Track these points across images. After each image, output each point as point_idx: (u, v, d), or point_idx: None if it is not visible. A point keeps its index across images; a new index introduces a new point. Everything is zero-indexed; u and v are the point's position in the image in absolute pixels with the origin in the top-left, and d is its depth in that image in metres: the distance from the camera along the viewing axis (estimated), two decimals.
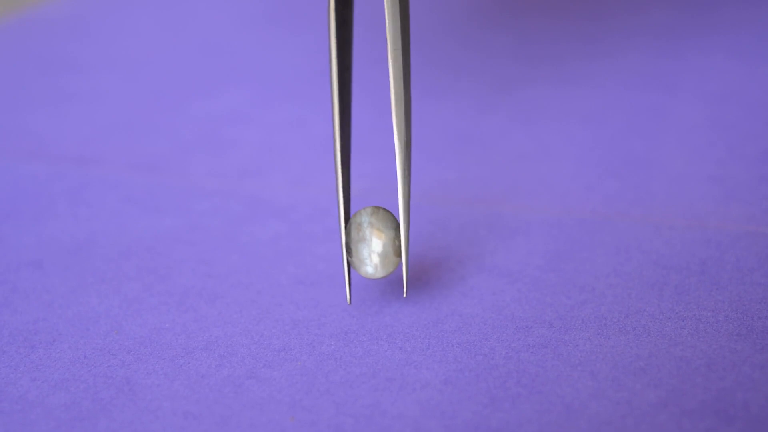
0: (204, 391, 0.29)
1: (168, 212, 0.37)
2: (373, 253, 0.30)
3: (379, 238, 0.31)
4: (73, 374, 0.30)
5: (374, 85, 0.45)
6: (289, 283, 0.33)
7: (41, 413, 0.29)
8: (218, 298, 0.33)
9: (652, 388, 0.28)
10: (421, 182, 0.38)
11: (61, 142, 0.42)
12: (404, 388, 0.29)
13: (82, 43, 0.51)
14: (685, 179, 0.37)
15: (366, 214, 0.31)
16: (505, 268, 0.33)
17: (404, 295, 0.31)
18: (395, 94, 0.30)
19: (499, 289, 0.32)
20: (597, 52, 0.47)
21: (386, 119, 0.42)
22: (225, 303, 0.33)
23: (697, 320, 0.31)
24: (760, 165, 0.38)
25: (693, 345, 0.30)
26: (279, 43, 0.50)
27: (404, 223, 0.30)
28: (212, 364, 0.30)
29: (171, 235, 0.36)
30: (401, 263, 0.31)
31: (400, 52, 0.30)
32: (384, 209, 0.31)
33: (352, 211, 0.37)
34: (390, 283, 0.33)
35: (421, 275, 0.33)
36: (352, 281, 0.33)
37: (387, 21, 0.30)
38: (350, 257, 0.31)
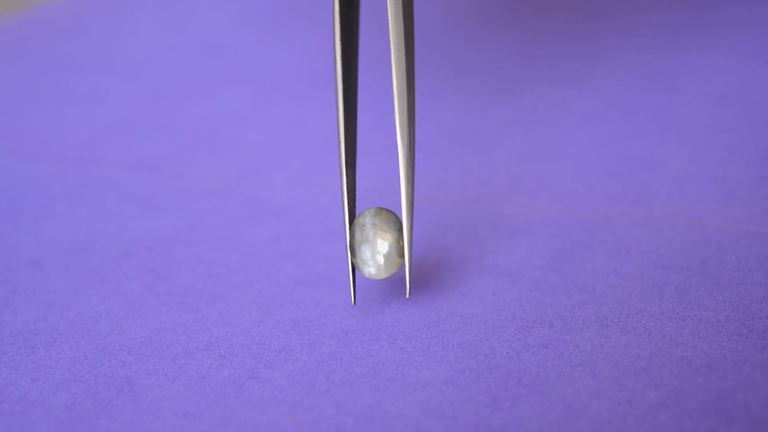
0: (205, 391, 0.29)
1: (168, 212, 0.37)
2: (376, 254, 0.31)
3: (383, 239, 0.31)
4: (74, 374, 0.30)
5: (376, 85, 0.45)
6: (290, 284, 0.33)
7: (42, 414, 0.29)
8: (219, 298, 0.33)
9: (652, 388, 0.28)
10: (421, 182, 0.38)
11: (61, 142, 0.42)
12: (405, 388, 0.29)
13: (82, 43, 0.51)
14: (685, 179, 0.37)
15: (369, 215, 0.31)
16: (505, 268, 0.33)
17: (407, 296, 0.31)
18: (398, 95, 0.30)
19: (500, 289, 0.32)
20: (597, 52, 0.47)
21: (388, 119, 0.42)
22: (225, 303, 0.33)
23: (698, 320, 0.31)
24: (761, 165, 0.38)
25: (694, 345, 0.30)
26: (279, 43, 0.50)
27: (407, 224, 0.30)
28: (213, 365, 0.30)
29: (171, 235, 0.36)
30: (404, 264, 0.31)
31: (403, 53, 0.30)
32: (387, 210, 0.31)
33: (357, 213, 0.37)
34: (391, 283, 0.33)
35: (422, 275, 0.33)
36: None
37: (390, 21, 0.30)
38: (354, 258, 0.31)
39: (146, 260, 0.35)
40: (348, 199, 0.31)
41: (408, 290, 0.31)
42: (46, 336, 0.32)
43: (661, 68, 0.45)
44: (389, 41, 0.30)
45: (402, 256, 0.31)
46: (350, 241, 0.31)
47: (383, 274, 0.31)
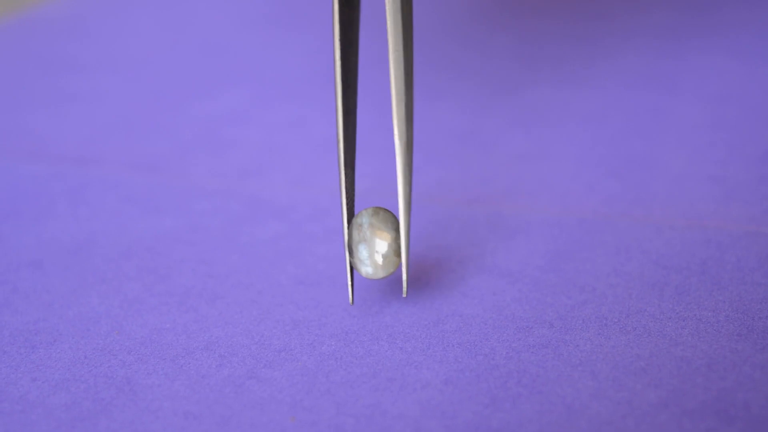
0: (205, 391, 0.29)
1: (168, 212, 0.37)
2: (373, 253, 0.31)
3: (380, 238, 0.31)
4: (74, 374, 0.30)
5: (377, 85, 0.45)
6: (290, 284, 0.33)
7: (42, 413, 0.29)
8: (219, 298, 0.33)
9: (652, 388, 0.28)
10: (421, 182, 0.38)
11: (61, 142, 0.42)
12: (405, 388, 0.29)
13: (82, 43, 0.51)
14: (685, 179, 0.37)
15: (367, 215, 0.31)
16: (505, 268, 0.33)
17: (404, 295, 0.31)
18: (396, 94, 0.30)
19: (500, 289, 0.32)
20: (597, 52, 0.47)
21: (388, 119, 0.42)
22: (225, 303, 0.33)
23: (698, 320, 0.31)
24: (760, 165, 0.38)
25: (693, 345, 0.30)
26: (279, 43, 0.50)
27: (405, 224, 0.30)
28: (213, 365, 0.30)
29: (171, 235, 0.36)
30: (401, 264, 0.31)
31: (401, 52, 0.30)
32: (385, 210, 0.31)
33: (356, 209, 0.37)
34: (390, 283, 0.33)
35: (422, 275, 0.33)
36: (354, 282, 0.33)
37: (388, 20, 0.30)
38: (351, 258, 0.31)
39: (146, 260, 0.35)
40: (347, 198, 0.31)
41: (405, 289, 0.31)
42: (46, 336, 0.32)
43: (661, 68, 0.45)
44: (387, 37, 0.30)
45: (399, 255, 0.31)
46: (348, 241, 0.31)
47: (380, 274, 0.31)
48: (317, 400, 0.29)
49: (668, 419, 0.27)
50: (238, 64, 0.48)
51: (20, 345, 0.31)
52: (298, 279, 0.33)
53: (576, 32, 0.49)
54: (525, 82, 0.45)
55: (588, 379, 0.29)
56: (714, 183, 0.37)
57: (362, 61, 0.47)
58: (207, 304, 0.33)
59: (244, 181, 0.39)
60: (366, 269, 0.31)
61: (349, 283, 0.31)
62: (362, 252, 0.31)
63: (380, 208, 0.31)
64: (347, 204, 0.31)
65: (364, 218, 0.31)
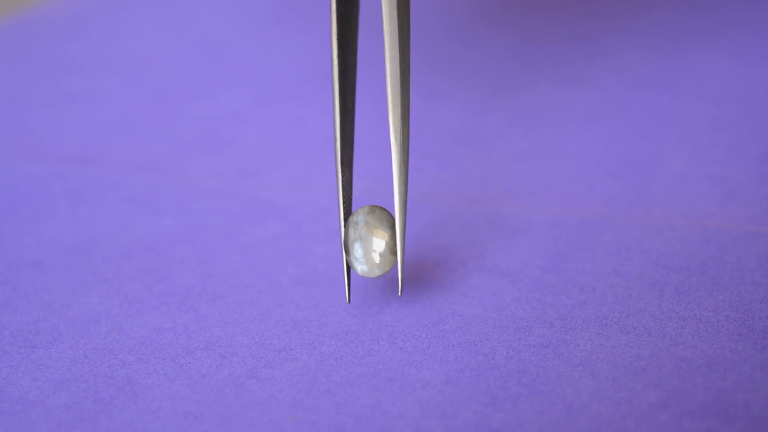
0: (205, 391, 0.29)
1: (168, 212, 0.37)
2: (369, 251, 0.30)
3: (375, 236, 0.30)
4: (74, 374, 0.30)
5: (376, 85, 0.45)
6: (290, 284, 0.33)
7: (42, 413, 0.29)
8: (219, 298, 0.33)
9: (652, 388, 0.28)
10: (421, 182, 0.38)
11: (61, 142, 0.42)
12: (405, 387, 0.29)
13: (82, 43, 0.51)
14: (685, 179, 0.37)
15: (363, 213, 0.31)
16: (505, 268, 0.33)
17: (399, 294, 0.31)
18: (392, 92, 0.30)
19: (500, 289, 0.32)
20: (597, 52, 0.47)
21: (386, 119, 0.42)
22: (225, 303, 0.33)
23: (698, 320, 0.31)
24: (760, 165, 0.38)
25: (694, 345, 0.30)
26: (279, 43, 0.50)
27: (400, 222, 0.30)
28: (213, 364, 0.30)
29: (171, 235, 0.36)
30: (397, 262, 0.31)
31: (397, 50, 0.30)
32: (381, 208, 0.31)
33: (353, 208, 0.37)
34: (390, 282, 0.33)
35: (422, 275, 0.33)
36: (352, 281, 0.33)
37: (384, 19, 0.30)
38: (347, 256, 0.31)
39: (146, 260, 0.35)
40: (344, 198, 0.31)
41: (400, 288, 0.31)
42: (46, 336, 0.32)
43: (661, 68, 0.45)
44: (384, 35, 0.30)
45: (395, 253, 0.31)
46: (344, 239, 0.31)
47: (376, 272, 0.31)
48: (317, 399, 0.29)
49: (668, 419, 0.27)
50: (238, 64, 0.48)
51: (20, 345, 0.31)
52: (298, 279, 0.33)
53: (576, 32, 0.49)
54: (525, 82, 0.45)
55: (588, 379, 0.29)
56: (714, 183, 0.37)
57: (363, 61, 0.47)
58: (207, 304, 0.33)
59: (244, 181, 0.39)
60: (362, 267, 0.31)
61: (346, 282, 0.31)
62: (358, 250, 0.30)
63: (376, 206, 0.31)
64: (344, 203, 0.31)
65: (359, 216, 0.31)
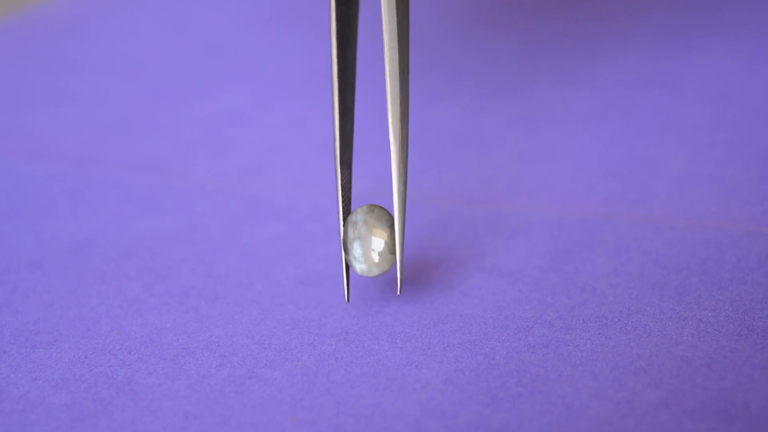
0: (205, 391, 0.29)
1: (168, 212, 0.37)
2: (367, 250, 0.30)
3: (374, 235, 0.30)
4: (74, 374, 0.30)
5: (376, 86, 0.45)
6: (290, 284, 0.33)
7: (42, 413, 0.29)
8: (219, 298, 0.33)
9: (652, 388, 0.28)
10: (421, 182, 0.38)
11: (61, 142, 0.42)
12: (405, 387, 0.29)
13: (82, 43, 0.51)
14: (685, 179, 0.37)
15: (361, 212, 0.31)
16: (505, 268, 0.33)
17: (398, 293, 0.31)
18: (391, 92, 0.30)
19: (500, 289, 0.32)
20: (597, 52, 0.47)
21: (386, 119, 0.42)
22: (225, 303, 0.33)
23: (698, 320, 0.31)
24: (761, 165, 0.38)
25: (694, 345, 0.30)
26: (279, 43, 0.50)
27: (399, 221, 0.30)
28: (213, 364, 0.30)
29: (171, 235, 0.36)
30: (395, 261, 0.31)
31: (396, 50, 0.30)
32: (380, 207, 0.31)
33: (353, 208, 0.37)
34: (390, 283, 0.33)
35: (422, 275, 0.33)
36: (351, 280, 0.33)
37: (383, 18, 0.30)
38: (346, 255, 0.31)
39: (146, 260, 0.35)
40: (343, 197, 0.31)
41: (399, 287, 0.31)
42: (47, 336, 0.32)
43: (661, 68, 0.45)
44: (383, 35, 0.30)
45: (394, 252, 0.31)
46: (343, 238, 0.31)
47: (375, 271, 0.31)
48: (317, 399, 0.29)
49: (668, 419, 0.27)
50: (238, 64, 0.48)
51: (20, 345, 0.31)
52: (298, 279, 0.33)
53: (576, 32, 0.49)
54: (525, 82, 0.45)
55: (588, 379, 0.29)
56: (714, 183, 0.37)
57: (363, 61, 0.47)
58: (207, 304, 0.33)
59: (244, 181, 0.39)
60: (360, 266, 0.31)
61: (345, 281, 0.31)
62: (357, 249, 0.30)
63: (375, 205, 0.31)
64: (343, 202, 0.31)
65: (358, 215, 0.31)
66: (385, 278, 0.33)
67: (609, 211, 0.36)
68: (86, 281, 0.34)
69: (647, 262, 0.33)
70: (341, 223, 0.31)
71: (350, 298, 0.32)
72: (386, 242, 0.30)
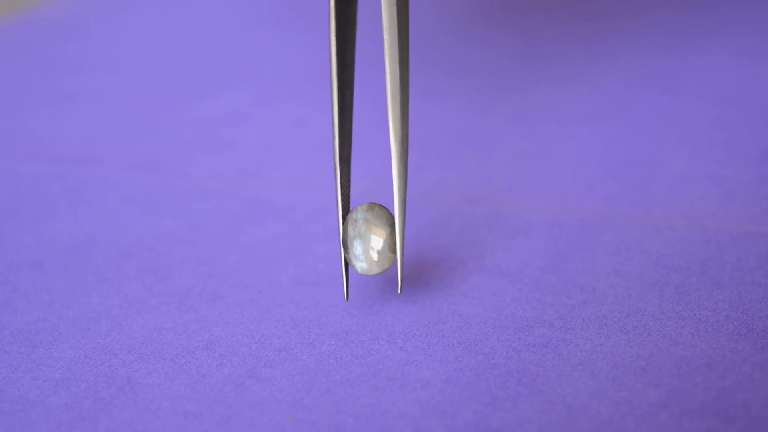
0: (205, 390, 0.29)
1: (168, 212, 0.37)
2: (368, 249, 0.30)
3: (375, 234, 0.30)
4: (74, 374, 0.30)
5: (376, 85, 0.45)
6: (290, 283, 0.33)
7: (42, 413, 0.29)
8: (219, 298, 0.33)
9: (652, 388, 0.28)
10: (421, 182, 0.38)
11: (61, 142, 0.42)
12: (405, 387, 0.29)
13: (82, 43, 0.51)
14: (685, 179, 0.37)
15: (362, 210, 0.31)
16: (505, 267, 0.33)
17: (399, 291, 0.31)
18: (391, 91, 0.30)
19: (500, 289, 0.32)
20: (597, 52, 0.47)
21: (386, 119, 0.42)
22: (225, 303, 0.33)
23: (698, 320, 0.31)
24: (761, 165, 0.38)
25: (693, 345, 0.30)
26: (279, 43, 0.50)
27: (400, 219, 0.30)
28: (213, 364, 0.30)
29: (171, 235, 0.36)
30: (396, 260, 0.31)
31: (396, 49, 0.30)
32: (380, 206, 0.31)
33: (352, 206, 0.37)
34: (390, 282, 0.33)
35: (422, 275, 0.33)
36: (351, 280, 0.33)
37: (384, 16, 0.30)
38: (346, 254, 0.31)
39: (146, 260, 0.35)
40: (342, 195, 0.31)
41: (400, 286, 0.31)
42: (47, 335, 0.32)
43: (661, 68, 0.45)
44: (383, 35, 0.30)
45: (394, 251, 0.31)
46: (343, 237, 0.31)
47: (375, 270, 0.31)
48: (317, 399, 0.29)
49: (668, 419, 0.27)
50: (238, 64, 0.48)
51: (20, 344, 0.31)
52: (298, 279, 0.33)
53: (576, 32, 0.49)
54: (525, 82, 0.45)
55: (588, 379, 0.29)
56: (714, 183, 0.37)
57: (363, 61, 0.47)
58: (207, 303, 0.33)
59: (244, 181, 0.39)
60: (361, 265, 0.31)
61: (345, 279, 0.31)
62: (357, 247, 0.30)
63: (375, 203, 0.31)
64: (343, 201, 0.31)
65: (359, 214, 0.31)
66: (385, 277, 0.33)
67: (609, 211, 0.36)
68: (86, 281, 0.34)
69: (647, 262, 0.33)
70: (340, 220, 0.31)
71: (350, 298, 0.32)
72: (387, 241, 0.30)
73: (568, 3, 0.52)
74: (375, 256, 0.30)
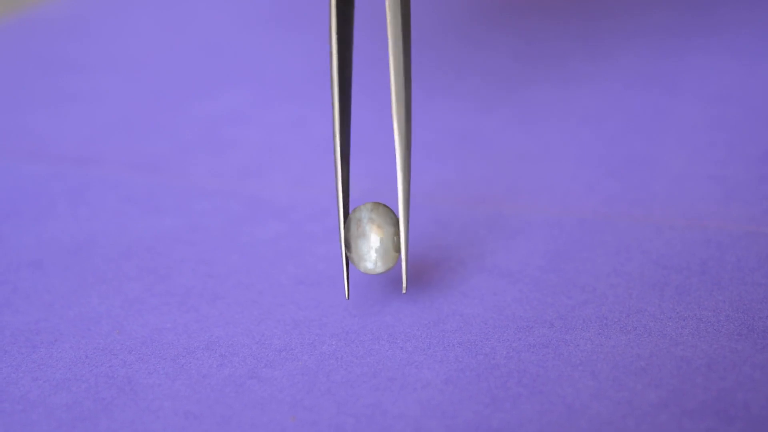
0: (205, 390, 0.29)
1: (168, 212, 0.37)
2: (372, 248, 0.30)
3: (379, 233, 0.30)
4: (75, 374, 0.30)
5: (376, 85, 0.45)
6: (290, 284, 0.33)
7: (43, 413, 0.29)
8: (219, 298, 0.33)
9: (652, 388, 0.28)
10: (422, 182, 0.38)
11: (61, 142, 0.42)
12: (405, 387, 0.29)
13: (82, 43, 0.51)
14: (685, 179, 0.37)
15: (366, 209, 0.31)
16: (505, 268, 0.33)
17: (404, 291, 0.31)
18: (396, 91, 0.30)
19: (500, 289, 0.32)
20: (598, 52, 0.47)
21: (388, 119, 0.42)
22: (226, 303, 0.33)
23: (698, 320, 0.31)
24: (761, 165, 0.38)
25: (694, 345, 0.30)
26: (279, 43, 0.50)
27: (404, 219, 0.30)
28: (213, 364, 0.30)
29: (171, 235, 0.36)
30: (400, 259, 0.31)
31: (401, 49, 0.30)
32: (384, 205, 0.31)
33: (352, 205, 0.37)
34: (391, 282, 0.33)
35: (422, 275, 0.33)
36: (352, 280, 0.33)
37: (388, 18, 0.30)
38: (349, 253, 0.31)
39: (146, 260, 0.35)
40: (342, 192, 0.31)
41: (404, 285, 0.31)
42: (47, 335, 0.32)
43: (661, 68, 0.45)
44: (387, 37, 0.30)
45: (398, 250, 0.31)
46: (346, 235, 0.31)
47: (379, 269, 0.31)
48: (318, 399, 0.29)
49: (668, 419, 0.27)
50: (238, 64, 0.48)
51: (21, 345, 0.31)
52: (298, 279, 0.33)
53: (576, 32, 0.49)
54: (525, 82, 0.45)
55: (588, 379, 0.29)
56: (714, 183, 0.37)
57: (363, 61, 0.47)
58: (208, 303, 0.33)
59: (244, 181, 0.39)
60: (365, 264, 0.31)
61: (345, 277, 0.31)
62: (361, 247, 0.30)
63: (379, 203, 0.31)
64: (343, 197, 0.31)
65: (363, 213, 0.31)
66: (386, 278, 0.33)
67: (609, 211, 0.36)
68: (86, 281, 0.34)
69: (647, 262, 0.33)
70: (341, 217, 0.31)
71: (350, 298, 0.32)
72: (391, 240, 0.30)
73: (568, 3, 0.52)
74: (379, 256, 0.30)
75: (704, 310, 0.31)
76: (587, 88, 0.44)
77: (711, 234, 0.34)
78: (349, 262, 0.32)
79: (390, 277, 0.33)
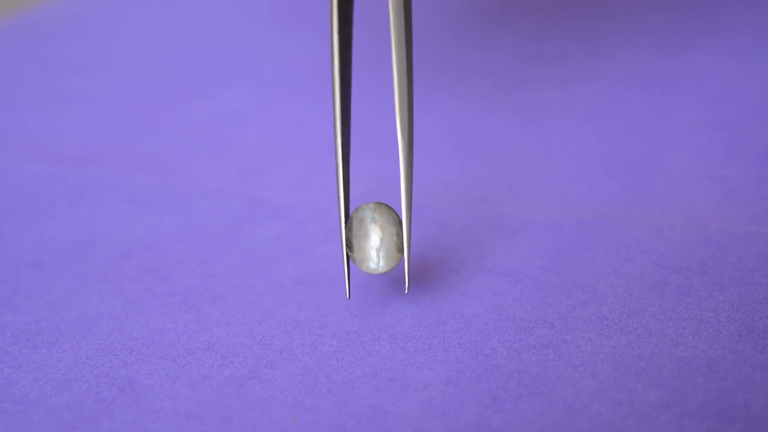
0: (206, 391, 0.29)
1: (168, 212, 0.37)
2: (374, 248, 0.30)
3: (382, 233, 0.30)
4: (75, 374, 0.30)
5: (377, 85, 0.45)
6: (291, 284, 0.33)
7: (43, 413, 0.29)
8: (219, 298, 0.33)
9: (653, 389, 0.28)
10: (422, 182, 0.38)
11: (61, 142, 0.42)
12: (406, 388, 0.29)
13: (82, 43, 0.51)
14: (685, 179, 0.37)
15: (368, 209, 0.31)
16: (506, 268, 0.33)
17: (406, 291, 0.31)
18: (399, 92, 0.30)
19: (501, 290, 0.32)
20: (598, 52, 0.47)
21: (389, 119, 0.42)
22: (227, 303, 0.33)
23: (698, 321, 0.31)
24: (761, 165, 0.38)
25: (694, 345, 0.30)
26: (279, 43, 0.50)
27: (406, 219, 0.30)
28: (214, 365, 0.30)
29: (171, 235, 0.36)
30: (402, 259, 0.31)
31: (404, 49, 0.30)
32: (386, 205, 0.31)
33: (353, 204, 0.37)
34: (391, 282, 0.33)
35: (423, 275, 0.33)
36: (353, 278, 0.33)
37: (391, 19, 0.30)
38: (351, 252, 0.31)
39: (146, 260, 0.35)
40: (343, 192, 0.31)
41: (407, 285, 0.31)
42: (48, 336, 0.32)
43: (661, 68, 0.45)
44: (389, 40, 0.30)
45: (401, 251, 0.31)
46: (348, 235, 0.31)
47: (382, 269, 0.31)
48: (318, 400, 0.29)
49: (669, 420, 0.27)
50: (238, 64, 0.48)
51: (22, 345, 0.31)
52: (298, 279, 0.33)
53: (577, 31, 0.49)
54: (525, 82, 0.45)
55: (589, 380, 0.29)
56: (714, 183, 0.37)
57: (363, 61, 0.47)
58: (208, 304, 0.33)
59: (244, 181, 0.39)
60: (368, 264, 0.31)
61: (346, 276, 0.31)
62: (364, 247, 0.30)
63: (382, 203, 0.31)
64: (344, 198, 0.31)
65: (366, 213, 0.31)
66: (386, 278, 0.33)
67: (609, 211, 0.36)
68: (87, 281, 0.34)
69: (647, 263, 0.33)
70: (341, 217, 0.31)
71: (351, 298, 0.32)
72: (393, 240, 0.30)
73: (568, 3, 0.52)
74: (382, 256, 0.30)
75: (704, 311, 0.31)
76: (587, 88, 0.44)
77: (711, 234, 0.34)
78: (350, 262, 0.32)
79: (390, 277, 0.33)
